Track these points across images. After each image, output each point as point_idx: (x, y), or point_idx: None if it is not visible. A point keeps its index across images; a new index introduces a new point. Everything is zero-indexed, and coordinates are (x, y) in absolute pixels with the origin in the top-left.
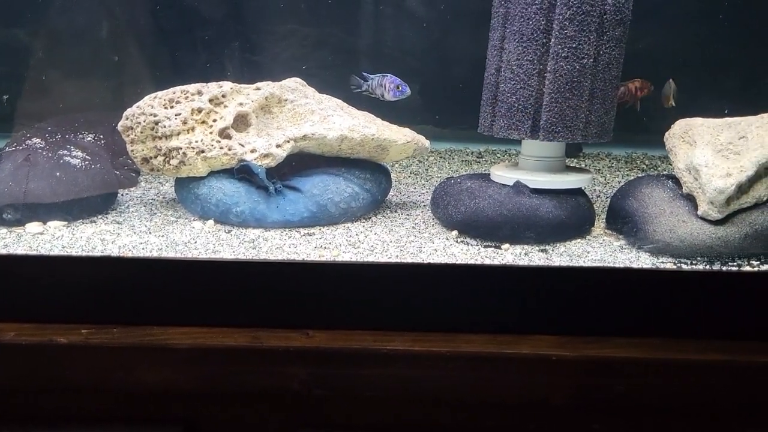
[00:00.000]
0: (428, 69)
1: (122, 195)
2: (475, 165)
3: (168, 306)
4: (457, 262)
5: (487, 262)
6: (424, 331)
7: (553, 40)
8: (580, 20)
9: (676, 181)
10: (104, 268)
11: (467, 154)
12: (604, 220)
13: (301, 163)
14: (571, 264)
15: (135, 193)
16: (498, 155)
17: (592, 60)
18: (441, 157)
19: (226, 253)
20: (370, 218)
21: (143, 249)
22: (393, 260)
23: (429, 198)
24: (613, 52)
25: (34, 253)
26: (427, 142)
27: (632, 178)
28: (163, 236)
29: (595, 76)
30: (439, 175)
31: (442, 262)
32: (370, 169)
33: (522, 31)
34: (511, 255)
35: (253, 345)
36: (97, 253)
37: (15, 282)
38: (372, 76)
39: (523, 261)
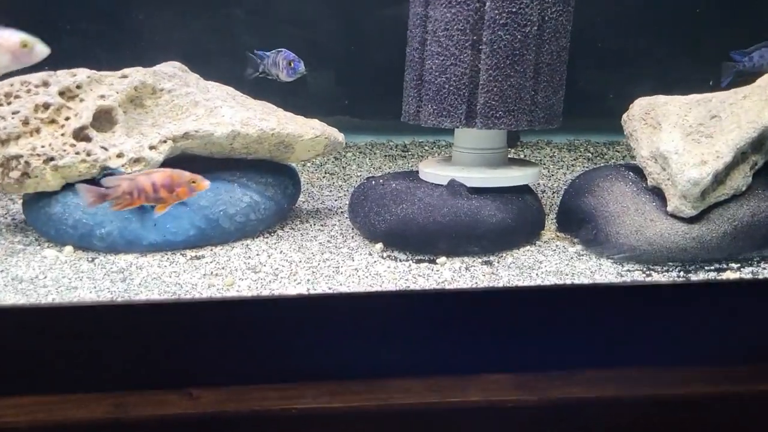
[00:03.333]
0: (340, 48)
1: None
2: (400, 160)
3: None
4: (383, 289)
5: (421, 282)
6: (344, 380)
7: (488, 3)
8: None
9: (639, 171)
10: None
11: (390, 148)
12: (554, 221)
13: (186, 168)
14: (521, 278)
15: None
16: (426, 148)
17: (536, 27)
18: (360, 153)
19: (86, 290)
20: (275, 232)
21: None
22: (301, 292)
23: (345, 202)
24: (560, 17)
25: None
26: (340, 136)
27: (579, 169)
28: (1, 271)
29: (540, 48)
30: (358, 174)
31: (364, 290)
32: (272, 172)
33: None
34: (449, 271)
35: (116, 416)
36: None
37: None
38: (267, 53)
39: (465, 279)
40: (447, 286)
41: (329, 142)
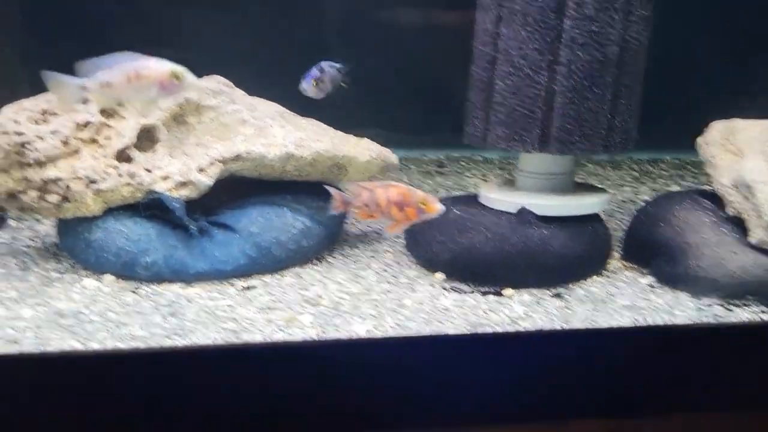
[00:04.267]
0: (372, 59)
1: None
2: (438, 177)
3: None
4: (469, 332)
5: (494, 318)
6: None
7: (567, 22)
8: None
9: (714, 198)
10: None
11: (425, 163)
12: (621, 249)
13: (230, 190)
14: (597, 313)
15: (1, 239)
16: (463, 164)
17: (617, 48)
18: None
19: (136, 327)
20: (324, 258)
21: (10, 330)
22: (369, 334)
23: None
24: (641, 36)
25: None
26: (394, 157)
27: (629, 189)
28: (41, 305)
29: (620, 69)
30: None
31: (440, 333)
32: (321, 195)
33: (526, 11)
34: (519, 305)
35: None
36: None
37: None
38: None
39: (539, 314)
40: (522, 323)
41: (384, 164)
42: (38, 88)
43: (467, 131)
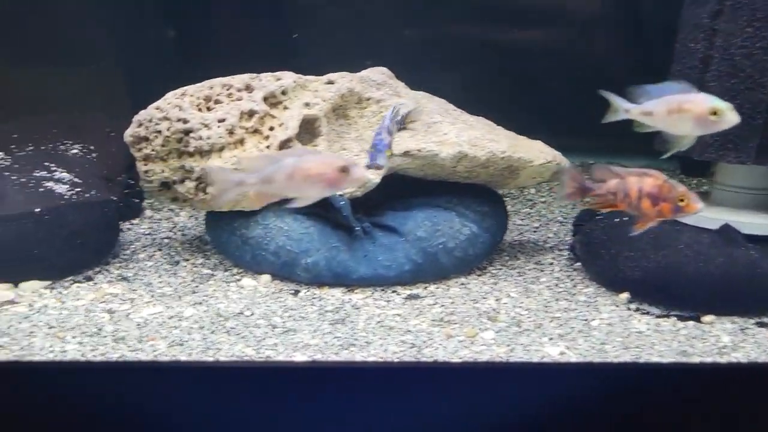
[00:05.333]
0: (510, 59)
1: (123, 231)
2: None
3: None
4: (681, 361)
5: (699, 346)
6: None
7: None
8: None
9: None
10: (134, 383)
11: None
12: None
13: (391, 190)
14: None
15: (140, 229)
16: None
17: None
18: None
19: (306, 334)
20: (485, 268)
21: (177, 330)
22: (563, 358)
23: (547, 235)
24: None
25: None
26: (568, 162)
27: None
28: (200, 303)
29: None
30: (540, 199)
31: (649, 362)
32: (487, 199)
33: (755, 5)
34: (725, 334)
35: None
36: (116, 353)
37: None
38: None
39: (749, 345)
40: (734, 354)
41: (558, 169)
42: None
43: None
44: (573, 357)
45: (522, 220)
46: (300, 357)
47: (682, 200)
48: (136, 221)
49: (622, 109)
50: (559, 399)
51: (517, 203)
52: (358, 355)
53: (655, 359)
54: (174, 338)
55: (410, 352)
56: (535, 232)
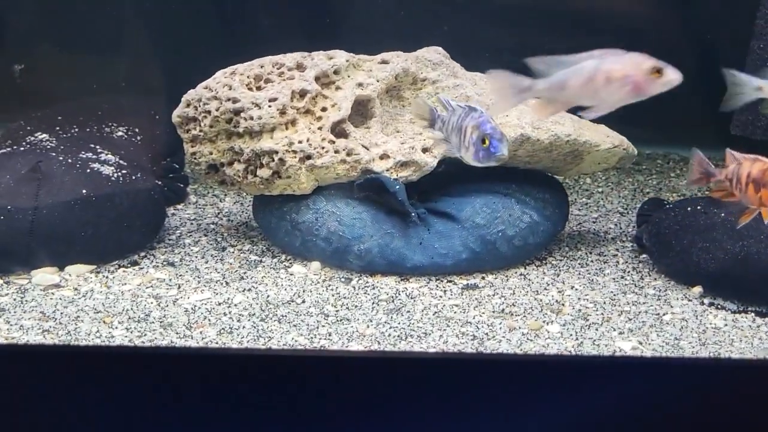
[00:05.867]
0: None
1: (168, 216)
2: (638, 175)
3: None
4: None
5: None
6: None
7: None
8: None
9: None
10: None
11: None
12: None
13: (445, 176)
14: None
15: (185, 214)
16: (659, 162)
17: None
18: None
19: (359, 323)
20: (545, 259)
21: (227, 317)
22: (635, 352)
23: (608, 226)
24: None
25: (41, 338)
26: (635, 149)
27: None
28: (249, 290)
29: None
30: (597, 189)
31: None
32: (547, 186)
33: None
34: None
35: None
36: (164, 339)
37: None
38: (452, 104)
39: None
40: None
41: (625, 155)
42: None
43: (742, 119)
44: (647, 352)
45: (579, 210)
46: (355, 347)
47: None
48: (180, 206)
49: (752, 87)
50: (634, 396)
51: (572, 193)
52: (416, 347)
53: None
54: (224, 325)
55: (471, 345)
56: (594, 222)
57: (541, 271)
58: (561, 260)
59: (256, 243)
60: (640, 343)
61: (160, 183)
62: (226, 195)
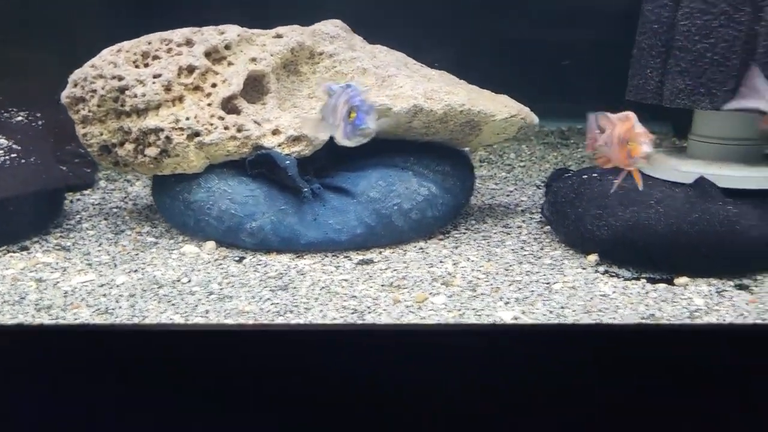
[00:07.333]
0: (480, 20)
1: (72, 202)
2: (564, 149)
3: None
4: (641, 322)
5: (668, 310)
6: None
7: None
8: None
9: None
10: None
11: (546, 135)
12: None
13: (343, 150)
14: None
15: (90, 199)
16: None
17: None
18: (514, 139)
19: (242, 300)
20: (449, 233)
21: (104, 298)
22: (516, 321)
23: (521, 198)
24: None
25: None
26: (535, 118)
27: None
28: (136, 271)
29: None
30: (520, 164)
31: (604, 322)
32: (448, 159)
33: None
34: (698, 297)
35: None
36: (23, 314)
37: None
38: (333, 87)
39: (725, 308)
40: (706, 318)
41: (524, 125)
42: None
43: (634, 84)
44: (527, 320)
45: (497, 184)
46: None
47: (631, 142)
48: (87, 192)
49: None
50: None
51: (494, 167)
52: (295, 322)
53: (616, 322)
54: (100, 306)
55: (351, 318)
56: (508, 195)
57: (441, 244)
58: (464, 233)
59: (156, 225)
60: (523, 313)
61: (63, 168)
62: (138, 179)
